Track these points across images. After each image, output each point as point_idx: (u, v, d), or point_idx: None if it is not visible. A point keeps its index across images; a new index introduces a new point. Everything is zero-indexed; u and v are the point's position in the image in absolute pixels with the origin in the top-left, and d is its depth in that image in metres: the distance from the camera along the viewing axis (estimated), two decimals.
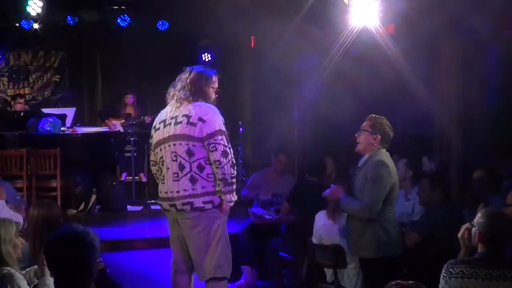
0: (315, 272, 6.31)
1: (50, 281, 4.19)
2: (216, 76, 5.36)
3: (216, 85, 5.35)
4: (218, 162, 4.97)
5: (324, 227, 6.17)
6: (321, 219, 6.25)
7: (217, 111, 5.16)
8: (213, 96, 5.30)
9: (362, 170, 5.43)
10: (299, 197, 7.21)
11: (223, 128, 5.07)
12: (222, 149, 4.96)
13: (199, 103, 5.14)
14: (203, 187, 5.02)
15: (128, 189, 10.74)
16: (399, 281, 2.55)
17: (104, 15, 11.90)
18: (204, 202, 5.02)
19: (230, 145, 5.07)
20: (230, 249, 5.21)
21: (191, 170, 5.02)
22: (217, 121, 5.05)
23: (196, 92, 5.18)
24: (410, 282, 2.56)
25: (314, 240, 6.24)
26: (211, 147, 4.98)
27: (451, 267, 3.89)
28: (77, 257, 3.31)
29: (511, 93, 7.40)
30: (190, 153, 5.02)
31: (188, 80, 5.21)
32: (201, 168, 5.01)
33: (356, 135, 5.50)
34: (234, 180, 5.05)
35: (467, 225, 4.07)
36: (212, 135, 4.98)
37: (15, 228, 4.40)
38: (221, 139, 4.99)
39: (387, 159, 5.39)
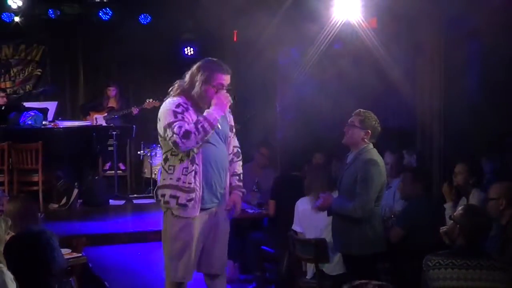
0: (296, 267, 6.31)
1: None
2: (221, 73, 4.87)
3: (221, 82, 4.86)
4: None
5: (305, 212, 6.18)
6: (302, 204, 6.26)
7: (169, 104, 4.83)
8: (208, 94, 4.83)
9: (351, 167, 5.30)
10: (280, 190, 7.21)
11: (168, 119, 4.73)
12: (177, 139, 4.64)
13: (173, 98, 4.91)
14: (163, 179, 4.91)
15: (110, 183, 10.71)
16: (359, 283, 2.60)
17: (85, 8, 11.86)
18: (161, 195, 4.91)
19: (178, 124, 4.68)
20: (183, 255, 4.89)
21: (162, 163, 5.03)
22: (164, 117, 4.79)
23: (185, 86, 4.92)
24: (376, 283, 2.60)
25: (296, 227, 6.25)
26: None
27: (428, 260, 3.96)
28: (34, 257, 3.32)
29: (493, 86, 7.43)
30: (161, 147, 5.04)
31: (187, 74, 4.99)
32: (166, 160, 4.92)
33: (345, 129, 5.34)
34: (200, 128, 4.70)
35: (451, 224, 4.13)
36: (163, 134, 4.83)
37: (4, 226, 4.29)
38: (169, 135, 4.70)
39: (377, 157, 5.29)
